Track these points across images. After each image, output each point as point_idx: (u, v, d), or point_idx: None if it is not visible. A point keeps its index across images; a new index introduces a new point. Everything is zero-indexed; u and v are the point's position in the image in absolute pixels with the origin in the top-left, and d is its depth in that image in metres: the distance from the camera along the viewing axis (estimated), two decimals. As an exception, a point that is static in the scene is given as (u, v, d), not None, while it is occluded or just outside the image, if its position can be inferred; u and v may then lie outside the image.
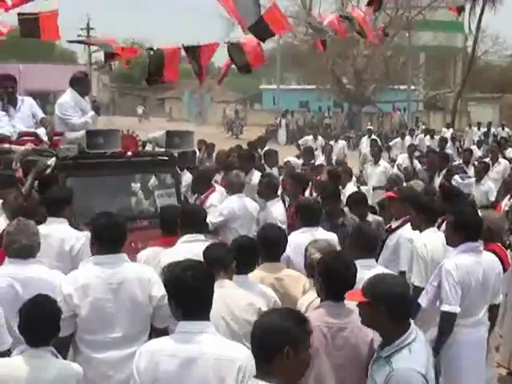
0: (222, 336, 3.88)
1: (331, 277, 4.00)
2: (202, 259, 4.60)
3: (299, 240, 5.78)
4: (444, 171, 11.76)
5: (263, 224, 6.43)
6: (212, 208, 7.80)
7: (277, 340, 2.95)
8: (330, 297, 4.01)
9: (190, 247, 5.19)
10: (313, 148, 14.96)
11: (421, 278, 5.60)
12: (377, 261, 5.30)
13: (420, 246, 5.75)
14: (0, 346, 4.02)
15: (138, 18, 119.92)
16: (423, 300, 5.19)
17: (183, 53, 8.06)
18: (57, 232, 5.60)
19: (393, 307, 3.47)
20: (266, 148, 12.85)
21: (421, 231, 6.00)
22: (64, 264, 5.33)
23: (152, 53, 7.35)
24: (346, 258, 4.22)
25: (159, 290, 4.36)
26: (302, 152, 13.97)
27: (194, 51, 7.37)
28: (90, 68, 36.77)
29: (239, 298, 4.43)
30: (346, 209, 7.46)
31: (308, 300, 4.32)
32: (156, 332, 4.40)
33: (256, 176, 9.16)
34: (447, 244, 5.50)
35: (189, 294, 3.38)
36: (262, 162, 11.35)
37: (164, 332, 4.42)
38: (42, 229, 5.51)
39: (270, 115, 44.03)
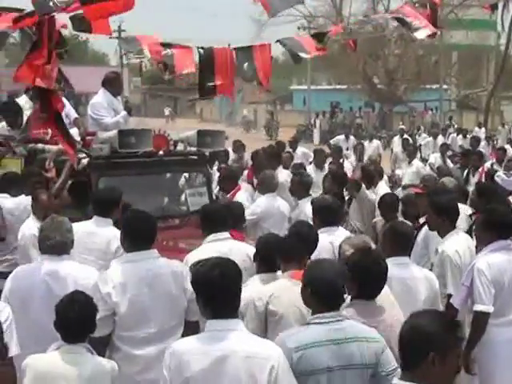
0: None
1: (361, 274, 3.95)
2: (229, 257, 4.67)
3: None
4: (480, 169, 11.68)
5: (295, 221, 6.39)
6: None
7: (422, 345, 2.79)
8: (360, 295, 3.98)
9: (217, 246, 5.20)
10: (341, 147, 14.96)
11: (457, 286, 5.41)
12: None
13: (453, 254, 5.48)
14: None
15: (169, 20, 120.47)
16: (455, 301, 5.11)
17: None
18: (104, 232, 5.67)
19: (317, 291, 3.59)
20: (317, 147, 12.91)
21: (440, 234, 5.82)
22: (108, 263, 5.39)
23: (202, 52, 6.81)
24: (377, 255, 4.17)
25: None
26: (331, 151, 13.94)
27: (246, 52, 6.94)
28: (122, 69, 37.03)
29: None
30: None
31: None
32: (188, 325, 4.42)
33: (283, 174, 9.15)
34: (477, 242, 5.42)
35: (217, 292, 3.34)
36: (299, 161, 11.41)
37: (196, 325, 4.45)
38: (89, 227, 5.60)
39: (301, 116, 44.00)
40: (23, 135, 7.74)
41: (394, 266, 4.61)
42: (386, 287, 4.15)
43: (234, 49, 6.95)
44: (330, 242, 5.64)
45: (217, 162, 10.45)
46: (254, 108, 56.39)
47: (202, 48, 6.79)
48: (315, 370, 3.46)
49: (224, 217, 5.52)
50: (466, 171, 12.02)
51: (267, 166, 9.00)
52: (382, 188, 9.41)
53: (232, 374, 3.28)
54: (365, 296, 3.97)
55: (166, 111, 54.65)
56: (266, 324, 4.30)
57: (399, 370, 3.14)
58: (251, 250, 5.09)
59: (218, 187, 8.90)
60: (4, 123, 7.97)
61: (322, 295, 3.60)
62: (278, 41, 7.13)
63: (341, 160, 13.04)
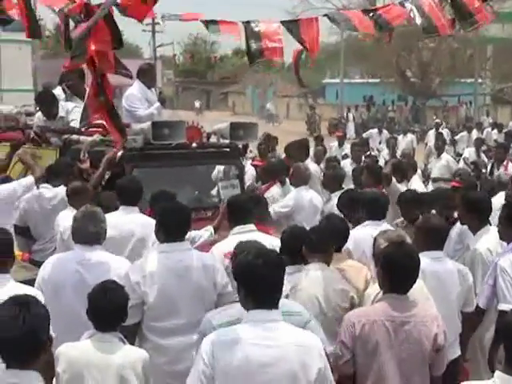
0: (312, 316, 3.93)
1: (392, 267, 3.92)
2: None
3: (361, 233, 5.71)
4: (505, 162, 11.55)
5: (327, 214, 6.37)
6: (268, 197, 7.87)
7: None
8: (392, 289, 3.94)
9: (242, 238, 5.18)
10: (367, 139, 14.92)
11: None
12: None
13: (485, 252, 5.39)
14: None
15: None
16: (480, 300, 5.03)
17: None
18: (140, 219, 5.77)
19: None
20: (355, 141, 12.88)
21: (471, 230, 5.75)
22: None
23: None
24: (410, 249, 4.12)
25: (223, 277, 4.44)
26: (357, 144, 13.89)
27: (293, 27, 6.85)
28: (155, 62, 37.22)
29: (334, 281, 4.45)
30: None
31: (376, 291, 4.27)
32: None
33: (311, 167, 9.12)
34: (500, 239, 5.34)
35: (259, 282, 3.30)
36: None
37: None
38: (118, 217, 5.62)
39: (333, 109, 43.77)
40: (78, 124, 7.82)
41: (428, 260, 4.59)
42: (420, 281, 4.12)
43: (281, 22, 6.90)
44: (372, 235, 5.61)
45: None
46: (287, 101, 56.38)
47: (248, 22, 6.75)
48: None
49: (250, 209, 5.50)
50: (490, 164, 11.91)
51: (295, 158, 9.00)
52: (416, 182, 9.33)
53: (285, 364, 3.24)
54: (397, 290, 3.93)
55: (196, 103, 54.83)
56: None
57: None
58: (277, 242, 5.06)
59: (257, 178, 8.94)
60: (40, 113, 8.03)
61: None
62: (325, 15, 7.04)
63: (367, 152, 12.96)
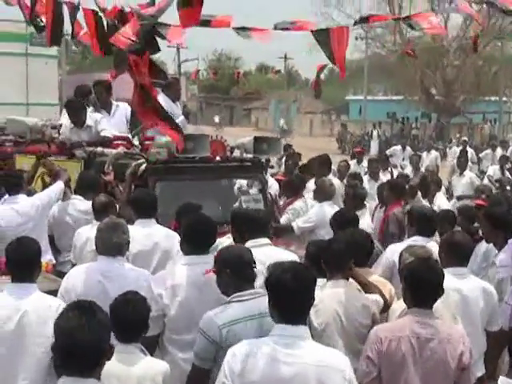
0: (334, 334, 3.95)
1: (416, 281, 3.88)
2: (265, 263, 4.60)
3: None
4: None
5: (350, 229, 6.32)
6: (291, 212, 7.86)
7: None
8: (416, 303, 3.89)
9: (255, 252, 5.16)
10: (387, 155, 14.87)
11: None
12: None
13: None
14: None
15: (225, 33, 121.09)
16: (500, 320, 4.90)
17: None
18: (160, 231, 5.77)
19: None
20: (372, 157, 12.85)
21: (496, 247, 5.67)
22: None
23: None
24: (434, 264, 4.07)
25: None
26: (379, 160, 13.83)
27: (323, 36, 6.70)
28: (180, 77, 37.38)
29: (355, 299, 4.40)
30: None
31: (401, 306, 4.21)
32: None
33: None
34: None
35: (287, 296, 3.27)
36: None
37: None
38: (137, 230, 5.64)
39: (356, 126, 43.72)
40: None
41: (451, 277, 4.52)
42: (447, 299, 4.07)
43: (312, 31, 6.79)
44: None
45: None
46: (310, 118, 56.43)
47: (282, 29, 6.64)
48: None
49: (264, 223, 5.43)
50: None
51: (317, 173, 8.99)
52: (440, 199, 9.27)
53: (302, 382, 3.20)
54: (420, 304, 3.88)
55: (216, 119, 55.03)
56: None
57: None
58: (292, 257, 5.00)
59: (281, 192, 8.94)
60: (67, 121, 8.07)
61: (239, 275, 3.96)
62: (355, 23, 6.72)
63: (387, 168, 12.91)
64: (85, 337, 2.78)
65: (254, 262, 4.10)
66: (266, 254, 5.09)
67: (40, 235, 6.29)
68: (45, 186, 7.27)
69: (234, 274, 3.99)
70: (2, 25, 47.62)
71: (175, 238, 5.55)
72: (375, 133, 37.10)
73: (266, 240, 5.24)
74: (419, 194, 7.81)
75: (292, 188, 8.51)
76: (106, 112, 8.25)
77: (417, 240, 5.65)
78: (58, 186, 6.74)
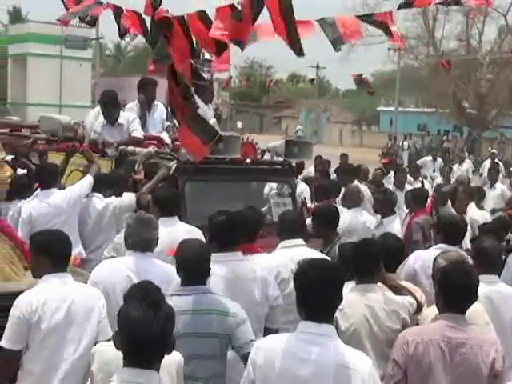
0: (362, 339, 3.93)
1: (449, 285, 3.79)
2: None
3: (430, 255, 5.39)
4: None
5: (382, 233, 6.26)
6: None
7: None
8: (448, 308, 3.80)
9: (289, 252, 5.16)
10: (418, 165, 14.75)
11: None
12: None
13: None
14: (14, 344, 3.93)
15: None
16: None
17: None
18: (183, 229, 5.79)
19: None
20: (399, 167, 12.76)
21: None
22: None
23: None
24: (469, 268, 3.98)
25: (274, 290, 4.38)
26: (409, 169, 13.72)
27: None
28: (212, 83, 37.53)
29: (384, 303, 4.34)
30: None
31: (434, 313, 4.12)
32: (268, 332, 4.38)
33: (362, 188, 9.01)
34: None
35: (312, 293, 3.23)
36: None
37: (275, 333, 4.38)
38: (173, 228, 5.69)
39: (386, 137, 43.47)
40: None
41: (482, 284, 4.42)
42: (480, 305, 3.99)
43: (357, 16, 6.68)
44: None
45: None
46: (340, 128, 56.29)
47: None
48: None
49: (300, 224, 5.48)
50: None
51: (343, 180, 8.94)
52: (472, 209, 9.15)
53: (319, 381, 3.17)
54: (453, 309, 3.79)
55: (239, 124, 55.07)
56: None
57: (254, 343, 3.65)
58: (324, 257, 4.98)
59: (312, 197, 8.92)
60: (100, 118, 8.10)
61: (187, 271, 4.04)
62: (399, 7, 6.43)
63: (418, 177, 12.78)
64: (153, 329, 2.77)
65: (208, 259, 4.14)
66: (299, 254, 5.10)
67: (71, 228, 6.41)
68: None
69: (182, 268, 4.08)
70: (37, 27, 48.53)
71: (198, 234, 5.61)
72: (406, 144, 36.89)
73: (300, 241, 5.24)
74: (449, 202, 7.71)
75: (323, 192, 8.46)
76: (148, 111, 8.26)
77: (442, 247, 5.52)
78: (88, 179, 6.83)
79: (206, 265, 4.12)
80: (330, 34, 5.80)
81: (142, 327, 2.76)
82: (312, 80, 47.23)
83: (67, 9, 6.69)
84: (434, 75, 38.56)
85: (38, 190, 6.74)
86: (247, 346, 3.89)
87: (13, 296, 4.07)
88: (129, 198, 6.73)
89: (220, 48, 5.29)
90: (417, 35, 40.58)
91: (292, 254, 5.12)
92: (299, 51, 5.02)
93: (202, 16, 5.41)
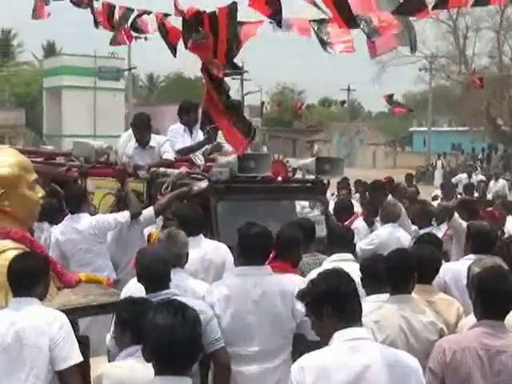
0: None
1: (486, 290, 3.69)
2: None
3: (460, 266, 5.37)
4: None
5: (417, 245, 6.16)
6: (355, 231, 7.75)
7: None
8: (486, 315, 3.70)
9: (339, 266, 5.07)
10: (453, 183, 14.62)
11: None
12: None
13: None
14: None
15: (285, 64, 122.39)
16: None
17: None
18: (210, 245, 5.81)
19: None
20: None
21: None
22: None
23: None
24: (505, 273, 3.88)
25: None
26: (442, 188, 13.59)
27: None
28: (243, 109, 37.78)
29: (421, 314, 4.25)
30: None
31: (472, 321, 4.00)
32: (308, 344, 4.29)
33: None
34: None
35: (343, 299, 3.19)
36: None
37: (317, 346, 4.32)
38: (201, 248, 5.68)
39: (420, 157, 43.22)
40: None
41: None
42: None
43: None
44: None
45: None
46: (373, 150, 56.07)
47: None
48: None
49: (349, 239, 5.47)
50: None
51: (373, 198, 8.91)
52: (510, 223, 9.01)
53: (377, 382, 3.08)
54: (491, 315, 3.68)
55: (264, 149, 55.09)
56: None
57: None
58: None
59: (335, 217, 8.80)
60: (132, 142, 8.15)
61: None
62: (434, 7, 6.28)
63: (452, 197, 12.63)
64: (184, 332, 2.76)
65: (167, 263, 4.24)
66: (350, 268, 5.05)
67: (96, 255, 6.49)
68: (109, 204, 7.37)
69: (143, 277, 4.20)
70: (71, 60, 49.58)
71: (224, 249, 5.70)
72: (439, 163, 36.60)
73: (349, 255, 5.22)
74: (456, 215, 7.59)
75: (342, 212, 8.42)
76: (189, 133, 8.29)
77: (471, 258, 5.40)
78: (123, 217, 6.68)
79: (166, 269, 4.21)
80: (366, 28, 5.84)
81: (173, 332, 2.74)
82: (343, 102, 47.33)
83: (96, 22, 6.98)
84: (466, 93, 38.31)
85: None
86: (214, 344, 4.03)
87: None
88: (148, 212, 6.74)
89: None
90: (447, 53, 40.41)
91: (340, 267, 5.08)
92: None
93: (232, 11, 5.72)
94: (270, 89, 73.07)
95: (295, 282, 4.69)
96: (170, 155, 7.98)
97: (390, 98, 22.03)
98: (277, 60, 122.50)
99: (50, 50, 65.49)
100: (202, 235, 5.89)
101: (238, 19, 6.75)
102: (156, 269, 4.18)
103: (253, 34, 6.74)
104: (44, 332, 3.81)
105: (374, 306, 4.37)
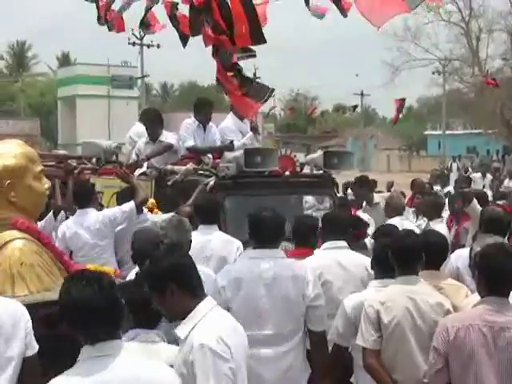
0: (406, 331, 3.99)
1: (488, 268, 3.66)
2: (346, 267, 4.94)
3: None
4: None
5: (425, 230, 6.12)
6: None
7: None
8: (490, 291, 3.66)
9: (333, 253, 5.12)
10: (444, 173, 14.63)
11: None
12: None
13: None
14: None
15: (297, 72, 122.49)
16: None
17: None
18: (219, 238, 5.81)
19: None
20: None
21: None
22: None
23: None
24: (508, 248, 3.83)
25: (314, 289, 4.27)
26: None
27: None
28: (256, 116, 37.72)
29: (428, 295, 4.22)
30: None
31: (476, 299, 3.96)
32: (313, 336, 4.31)
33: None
34: None
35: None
36: None
37: (322, 336, 4.32)
38: (206, 237, 5.69)
39: (435, 161, 43.04)
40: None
41: None
42: None
43: None
44: None
45: None
46: (387, 154, 55.92)
47: None
48: None
49: (343, 226, 5.39)
50: None
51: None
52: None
53: None
54: (494, 292, 3.65)
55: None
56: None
57: None
58: (368, 261, 4.91)
59: None
60: (143, 139, 8.19)
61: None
62: None
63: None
64: (101, 299, 2.75)
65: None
66: (344, 256, 5.14)
67: (101, 250, 6.51)
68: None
69: (135, 255, 4.30)
70: (85, 69, 49.72)
71: (234, 245, 5.65)
72: (455, 166, 36.41)
73: (343, 243, 5.22)
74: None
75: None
76: (203, 128, 8.34)
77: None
78: (128, 205, 6.65)
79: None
80: None
81: (90, 299, 2.74)
82: (355, 106, 47.35)
83: (100, 17, 7.03)
84: (480, 96, 38.12)
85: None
86: None
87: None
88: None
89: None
90: (460, 56, 40.24)
91: (335, 255, 5.10)
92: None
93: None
94: (283, 96, 73.12)
95: (306, 266, 4.71)
96: (172, 141, 7.98)
97: (401, 103, 21.95)
98: (285, 66, 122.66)
99: (65, 61, 65.99)
100: (216, 226, 5.92)
101: None
102: (148, 250, 4.14)
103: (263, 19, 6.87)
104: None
105: (373, 291, 4.39)
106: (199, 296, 3.17)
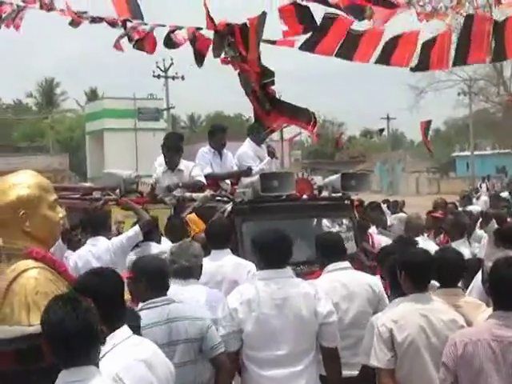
0: (420, 349, 3.98)
1: (498, 282, 3.62)
2: (349, 287, 4.94)
3: None
4: None
5: (442, 247, 6.05)
6: None
7: None
8: (499, 306, 3.62)
9: (337, 275, 5.12)
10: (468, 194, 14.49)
11: None
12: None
13: None
14: None
15: (322, 94, 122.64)
16: None
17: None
18: (230, 262, 5.77)
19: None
20: None
21: None
22: None
23: None
24: None
25: (325, 306, 4.26)
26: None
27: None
28: (282, 143, 37.80)
29: (441, 312, 4.19)
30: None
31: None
32: (325, 352, 4.30)
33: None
34: None
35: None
36: None
37: (334, 352, 4.30)
38: (218, 262, 5.68)
39: (464, 182, 42.66)
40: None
41: None
42: None
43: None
44: None
45: None
46: (416, 177, 55.59)
47: None
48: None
49: (343, 246, 5.40)
50: None
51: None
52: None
53: None
54: (504, 306, 3.60)
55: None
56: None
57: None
58: (372, 279, 4.97)
59: None
60: (161, 168, 8.21)
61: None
62: None
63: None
64: (74, 326, 2.74)
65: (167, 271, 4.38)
66: (348, 276, 5.14)
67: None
68: None
69: (149, 282, 4.21)
70: (112, 103, 50.53)
71: (245, 268, 5.60)
72: (484, 186, 36.06)
73: (346, 263, 5.21)
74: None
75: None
76: (219, 155, 8.38)
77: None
78: (133, 230, 6.66)
79: (167, 277, 4.33)
80: None
81: (65, 325, 2.73)
82: (382, 130, 47.04)
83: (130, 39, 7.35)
84: (507, 115, 37.87)
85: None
86: (214, 349, 4.11)
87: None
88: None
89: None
90: (485, 76, 40.05)
91: (340, 277, 5.09)
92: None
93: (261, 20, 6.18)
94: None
95: (316, 283, 4.69)
96: (202, 179, 8.03)
97: (427, 125, 21.80)
98: (312, 90, 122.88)
99: (93, 96, 66.96)
100: (228, 250, 5.91)
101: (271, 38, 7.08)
102: (160, 277, 4.25)
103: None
104: None
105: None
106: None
